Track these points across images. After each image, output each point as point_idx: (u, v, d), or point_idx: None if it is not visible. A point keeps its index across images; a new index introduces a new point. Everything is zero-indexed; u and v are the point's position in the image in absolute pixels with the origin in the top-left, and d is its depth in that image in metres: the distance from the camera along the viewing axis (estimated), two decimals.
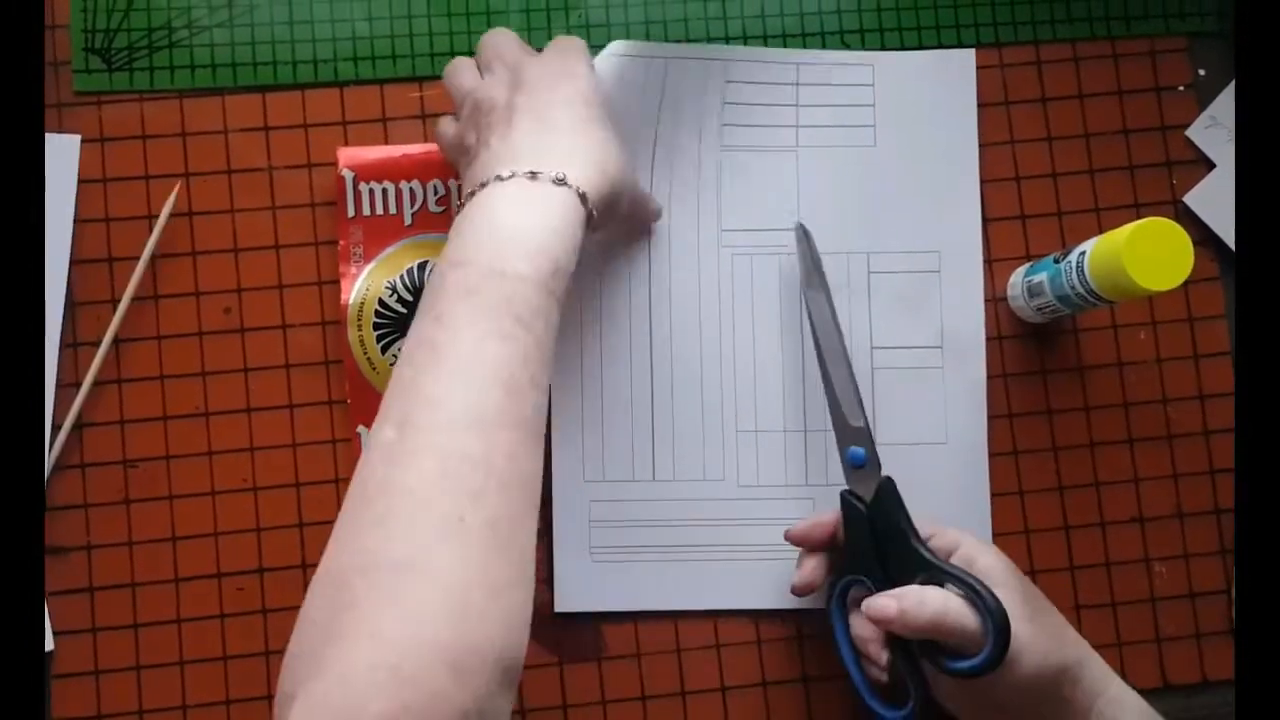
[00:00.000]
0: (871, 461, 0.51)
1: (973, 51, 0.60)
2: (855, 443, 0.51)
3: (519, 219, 0.44)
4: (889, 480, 0.50)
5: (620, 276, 0.57)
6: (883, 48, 0.61)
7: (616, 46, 0.57)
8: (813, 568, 0.52)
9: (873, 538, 0.50)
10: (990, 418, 0.59)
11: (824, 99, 0.58)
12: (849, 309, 0.57)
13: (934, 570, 0.48)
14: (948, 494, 0.57)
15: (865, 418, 0.52)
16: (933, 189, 0.59)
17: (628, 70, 0.57)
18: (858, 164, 0.58)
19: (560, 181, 0.45)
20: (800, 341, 0.57)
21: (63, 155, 0.57)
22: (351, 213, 0.57)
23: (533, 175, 0.45)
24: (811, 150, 0.58)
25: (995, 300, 0.60)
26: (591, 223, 0.46)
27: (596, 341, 0.57)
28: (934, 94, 0.59)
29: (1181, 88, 0.62)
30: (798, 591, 0.53)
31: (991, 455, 0.59)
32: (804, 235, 0.56)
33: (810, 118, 0.58)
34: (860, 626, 0.51)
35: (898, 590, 0.47)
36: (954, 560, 0.49)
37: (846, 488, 0.52)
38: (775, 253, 0.57)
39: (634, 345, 0.56)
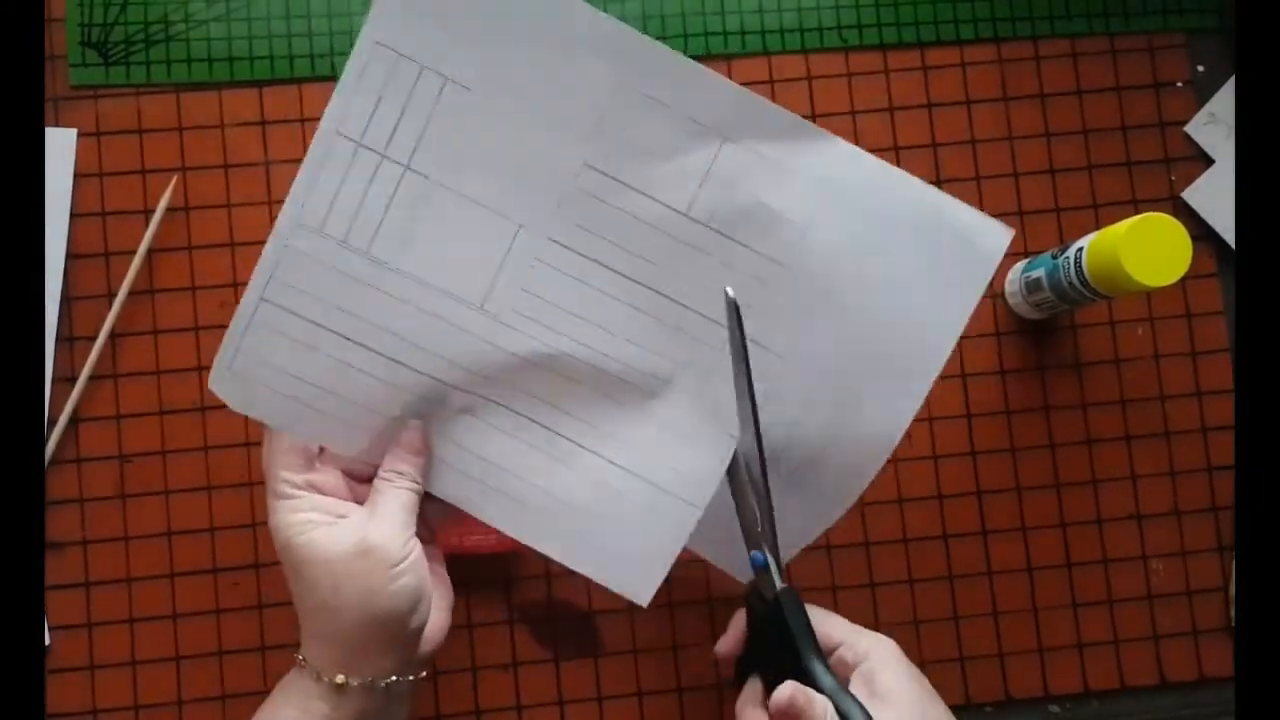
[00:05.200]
0: (771, 569, 0.47)
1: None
2: (757, 546, 0.48)
3: (270, 700, 0.46)
4: (787, 593, 0.46)
5: (480, 430, 0.49)
6: (882, 44, 0.61)
7: (220, 374, 0.47)
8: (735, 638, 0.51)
9: (769, 646, 0.47)
10: (987, 414, 0.59)
11: (390, 118, 0.46)
12: (632, 214, 0.48)
13: (827, 695, 0.44)
14: (878, 221, 0.48)
15: (771, 523, 0.48)
16: (549, 48, 0.46)
17: (255, 362, 0.47)
18: (479, 118, 0.47)
19: (301, 664, 0.46)
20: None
21: (59, 149, 0.57)
22: None
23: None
24: (440, 163, 0.47)
25: (993, 296, 0.60)
26: (347, 690, 0.45)
27: (520, 476, 0.49)
28: None
29: (1180, 84, 0.61)
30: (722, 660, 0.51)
31: (988, 452, 0.59)
32: (734, 310, 0.47)
33: (403, 146, 0.46)
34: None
35: (810, 694, 0.44)
36: (857, 674, 0.46)
37: (752, 579, 0.49)
38: (531, 259, 0.48)
39: (552, 451, 0.49)
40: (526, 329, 0.48)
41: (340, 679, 0.44)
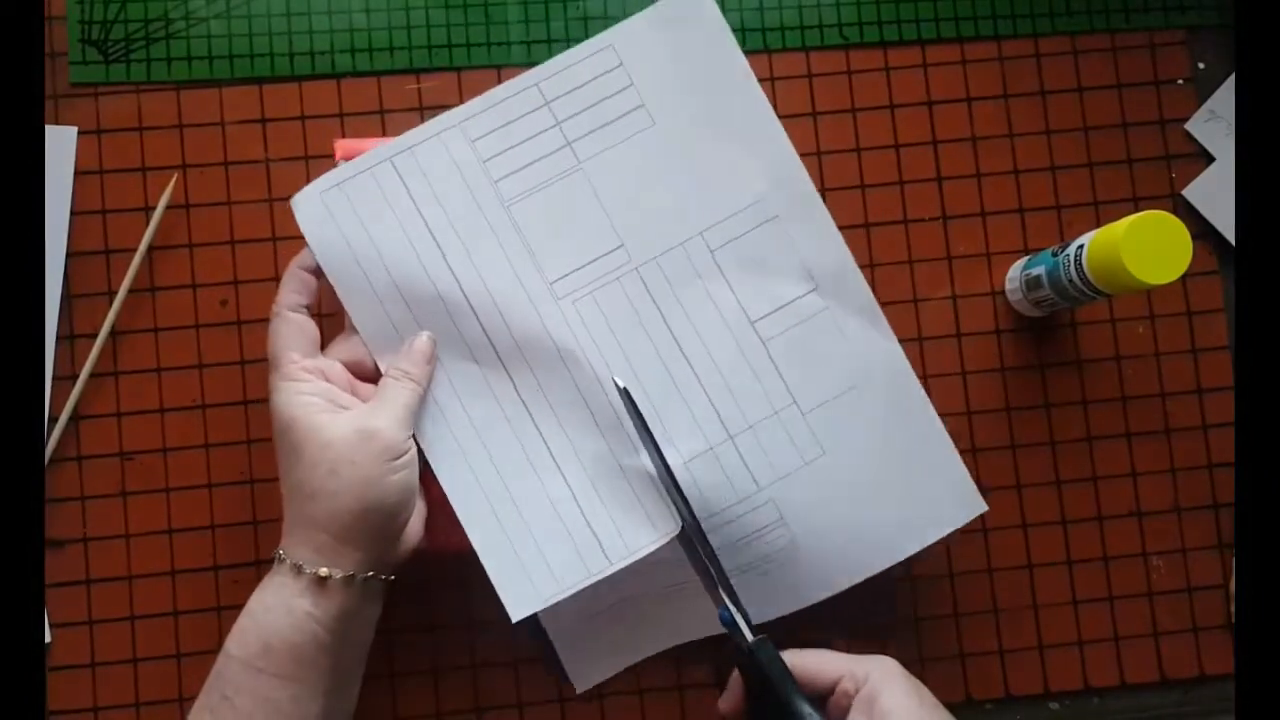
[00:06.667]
0: (739, 621, 0.48)
1: None
2: (719, 603, 0.48)
3: (250, 599, 0.47)
4: (759, 643, 0.47)
5: (478, 384, 0.52)
6: (882, 41, 0.61)
7: (311, 194, 0.51)
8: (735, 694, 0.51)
9: (761, 696, 0.48)
10: (988, 411, 0.59)
11: (581, 103, 0.53)
12: (712, 297, 0.52)
13: None
14: (894, 429, 0.53)
15: (726, 581, 0.49)
16: (730, 135, 0.53)
17: (347, 203, 0.51)
18: (647, 148, 0.53)
19: (280, 560, 0.47)
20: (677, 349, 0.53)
21: (59, 147, 0.57)
22: None
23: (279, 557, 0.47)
24: (596, 159, 0.52)
25: (994, 294, 0.60)
26: (328, 584, 0.46)
27: (487, 448, 0.51)
28: (681, 41, 0.53)
29: (1181, 81, 0.61)
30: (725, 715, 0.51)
31: (989, 449, 0.59)
32: (626, 397, 0.50)
33: (577, 128, 0.52)
34: None
35: None
36: (857, 700, 0.46)
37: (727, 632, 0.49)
38: (614, 278, 0.52)
39: (525, 442, 0.51)
40: (571, 321, 0.51)
41: (324, 572, 0.46)
